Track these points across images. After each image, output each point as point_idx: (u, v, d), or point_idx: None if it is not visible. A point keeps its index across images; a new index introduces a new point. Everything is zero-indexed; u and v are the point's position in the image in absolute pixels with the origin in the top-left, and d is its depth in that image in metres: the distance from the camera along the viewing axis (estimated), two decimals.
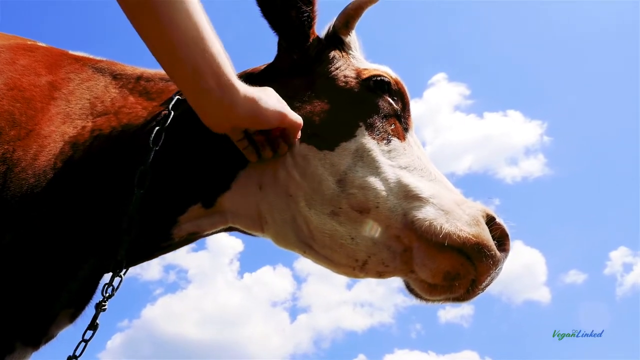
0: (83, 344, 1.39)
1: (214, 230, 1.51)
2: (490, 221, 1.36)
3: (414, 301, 1.40)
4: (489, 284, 1.34)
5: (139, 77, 1.61)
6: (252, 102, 1.25)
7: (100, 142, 1.41)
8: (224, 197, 1.44)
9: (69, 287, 1.37)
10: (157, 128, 1.40)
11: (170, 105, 1.45)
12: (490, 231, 1.34)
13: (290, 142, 1.39)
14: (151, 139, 1.38)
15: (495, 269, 1.32)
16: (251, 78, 1.54)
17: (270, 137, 1.36)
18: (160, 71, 1.65)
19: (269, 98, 1.30)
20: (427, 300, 1.38)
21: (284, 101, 1.36)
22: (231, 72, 1.22)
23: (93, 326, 1.39)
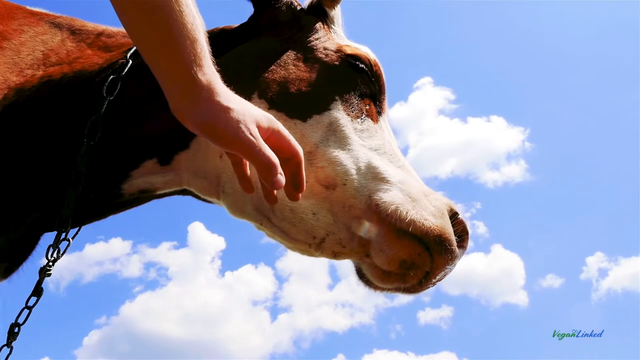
0: (27, 310, 1.31)
1: (166, 191, 1.44)
2: (453, 216, 1.33)
3: (364, 288, 1.36)
4: (441, 279, 1.32)
5: (100, 34, 1.54)
6: (212, 109, 1.00)
7: (48, 88, 1.34)
8: (182, 155, 1.36)
9: (5, 239, 1.29)
10: (112, 76, 1.34)
11: (129, 54, 1.38)
12: (452, 226, 1.31)
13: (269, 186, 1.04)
14: (105, 87, 1.31)
15: (451, 265, 1.29)
16: (223, 36, 1.47)
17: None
18: (122, 29, 1.57)
19: (239, 113, 1.02)
20: (376, 288, 1.34)
21: (272, 123, 1.09)
22: (205, 65, 1.01)
23: (37, 292, 1.31)
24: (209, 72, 1.02)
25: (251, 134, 1.02)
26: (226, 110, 1.01)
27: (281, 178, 1.04)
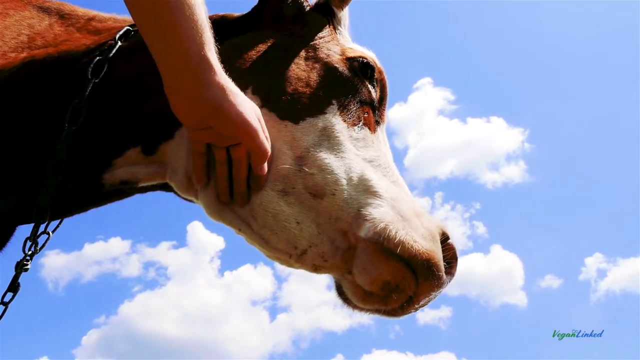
0: (2, 307, 1.27)
1: (148, 184, 1.37)
2: (444, 240, 1.26)
3: (342, 306, 1.28)
4: (425, 305, 1.24)
5: (91, 19, 1.49)
6: (223, 93, 1.09)
7: (30, 69, 1.29)
8: (167, 146, 1.29)
9: None
10: (98, 58, 1.28)
11: (117, 36, 1.33)
12: (442, 251, 1.23)
13: (256, 172, 1.18)
14: (90, 69, 1.26)
15: (437, 292, 1.21)
16: (224, 24, 1.41)
17: (235, 157, 1.18)
18: (115, 15, 1.55)
19: (244, 101, 1.13)
20: (355, 307, 1.27)
21: (262, 120, 1.19)
22: (213, 50, 1.10)
23: (13, 288, 1.27)
24: (216, 58, 1.10)
25: (256, 121, 1.14)
26: (234, 95, 1.10)
27: (266, 165, 1.19)
